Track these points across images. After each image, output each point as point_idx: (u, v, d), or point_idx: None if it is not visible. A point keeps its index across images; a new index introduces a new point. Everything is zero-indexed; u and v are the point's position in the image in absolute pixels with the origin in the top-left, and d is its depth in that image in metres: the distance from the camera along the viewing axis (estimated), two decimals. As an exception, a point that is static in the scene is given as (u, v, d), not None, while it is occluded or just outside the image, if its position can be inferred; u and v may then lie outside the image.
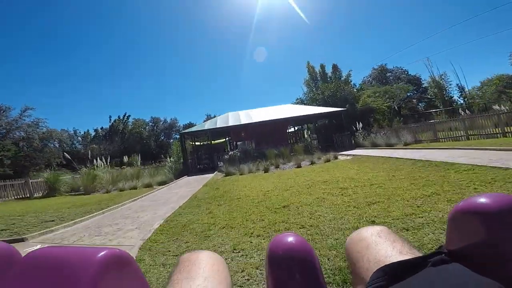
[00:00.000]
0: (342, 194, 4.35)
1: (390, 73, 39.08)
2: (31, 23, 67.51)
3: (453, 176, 4.42)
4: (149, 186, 11.23)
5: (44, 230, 4.56)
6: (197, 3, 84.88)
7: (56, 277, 0.35)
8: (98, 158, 14.06)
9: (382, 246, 0.55)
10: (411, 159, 7.07)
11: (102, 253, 0.37)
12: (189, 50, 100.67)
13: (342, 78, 26.65)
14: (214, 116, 50.82)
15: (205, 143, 19.53)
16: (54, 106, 72.08)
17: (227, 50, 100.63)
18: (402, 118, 27.13)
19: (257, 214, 3.93)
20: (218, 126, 16.10)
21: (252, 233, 3.08)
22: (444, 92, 32.12)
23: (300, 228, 3.05)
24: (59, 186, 11.85)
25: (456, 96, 33.30)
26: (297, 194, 4.96)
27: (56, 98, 74.93)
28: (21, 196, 12.08)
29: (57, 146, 29.13)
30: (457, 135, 12.48)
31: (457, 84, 32.78)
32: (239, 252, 2.59)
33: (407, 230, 2.49)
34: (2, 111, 23.19)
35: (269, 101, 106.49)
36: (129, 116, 53.23)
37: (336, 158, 10.96)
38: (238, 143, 18.15)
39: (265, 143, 15.99)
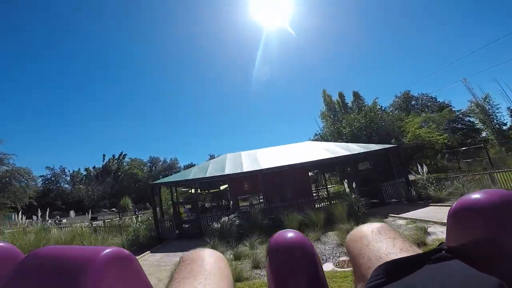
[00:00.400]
0: None
1: (415, 101, 34.13)
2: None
3: None
4: None
5: None
6: (201, 38, 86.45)
7: (58, 277, 0.35)
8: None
9: (382, 243, 0.55)
10: None
11: (104, 252, 0.38)
12: (192, 89, 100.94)
13: (365, 108, 21.65)
14: (216, 156, 45.51)
15: (192, 192, 14.29)
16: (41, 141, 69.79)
17: (232, 88, 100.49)
18: (445, 155, 21.33)
19: None
20: (208, 175, 10.81)
21: None
22: (493, 117, 26.67)
23: None
24: None
25: (509, 120, 27.62)
26: None
27: (45, 134, 73.22)
28: None
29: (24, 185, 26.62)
30: None
31: (508, 107, 27.44)
32: None
33: None
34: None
35: (279, 141, 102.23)
36: (125, 155, 49.40)
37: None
38: (237, 196, 12.68)
39: (280, 200, 10.60)
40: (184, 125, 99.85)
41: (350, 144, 13.21)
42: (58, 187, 42.06)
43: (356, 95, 24.93)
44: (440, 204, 9.16)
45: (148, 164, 54.29)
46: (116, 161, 49.03)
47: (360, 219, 7.76)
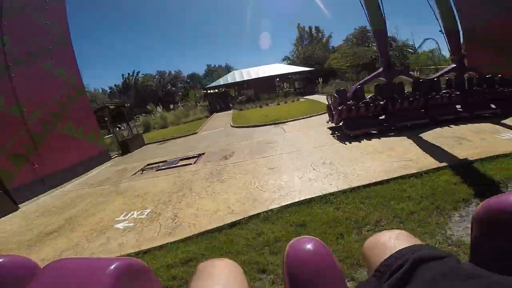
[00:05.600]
0: (286, 111, 13.65)
1: (370, 33, 45.12)
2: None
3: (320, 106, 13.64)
4: (200, 118, 20.25)
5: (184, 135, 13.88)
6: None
7: None
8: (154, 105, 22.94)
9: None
10: (322, 102, 16.16)
11: (119, 263, 0.39)
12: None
13: (323, 40, 33.87)
14: (214, 66, 59.13)
15: (217, 91, 28.10)
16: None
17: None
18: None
19: (257, 118, 13.23)
20: (229, 82, 24.66)
21: (256, 119, 12.46)
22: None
23: (269, 117, 12.36)
24: (152, 124, 20.48)
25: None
26: (272, 112, 14.25)
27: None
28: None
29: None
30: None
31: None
32: (252, 119, 11.97)
33: (304, 117, 11.82)
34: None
35: (266, 57, 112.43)
36: (139, 72, 59.93)
37: (298, 100, 20.08)
38: (242, 91, 26.91)
39: (260, 91, 24.76)
40: (185, 40, 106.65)
41: (294, 67, 26.91)
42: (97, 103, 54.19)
43: (317, 29, 36.22)
44: (318, 94, 23.52)
45: (157, 76, 65.81)
46: (132, 77, 60.20)
47: (286, 97, 21.92)
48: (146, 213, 4.31)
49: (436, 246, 2.28)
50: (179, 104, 45.34)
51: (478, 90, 6.89)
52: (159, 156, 8.95)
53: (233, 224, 3.39)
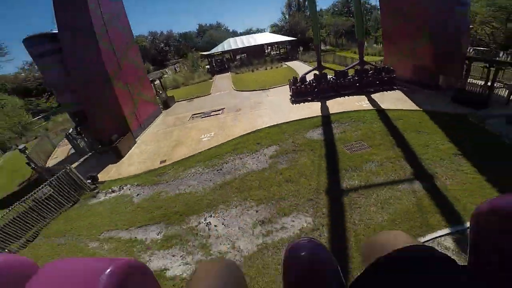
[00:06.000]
0: (272, 76, 19.98)
1: (351, 5, 47.91)
2: None
3: (293, 72, 19.93)
4: (205, 80, 25.99)
5: (192, 97, 20.10)
6: None
7: None
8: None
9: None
10: (296, 70, 22.29)
11: (118, 264, 0.39)
12: None
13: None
14: (206, 25, 61.90)
15: (216, 55, 33.01)
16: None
17: None
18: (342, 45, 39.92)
19: (251, 84, 19.47)
20: (226, 49, 29.67)
21: (251, 85, 18.78)
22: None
23: (256, 80, 18.70)
24: (166, 85, 26.11)
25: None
26: (261, 78, 20.57)
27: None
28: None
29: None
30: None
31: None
32: (248, 84, 18.33)
33: (279, 86, 18.23)
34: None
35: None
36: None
37: (281, 65, 26.04)
38: (237, 57, 32.05)
39: (252, 56, 30.06)
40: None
41: (281, 36, 31.81)
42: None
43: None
44: (298, 60, 29.26)
45: (150, 37, 67.35)
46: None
47: (272, 63, 27.65)
48: (212, 134, 11.17)
49: (298, 141, 9.32)
50: (169, 63, 49.11)
51: (369, 76, 13.45)
52: (191, 110, 15.50)
53: (246, 134, 10.35)
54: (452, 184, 5.85)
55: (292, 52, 30.96)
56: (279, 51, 33.32)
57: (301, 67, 23.20)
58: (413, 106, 10.57)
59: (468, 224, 2.94)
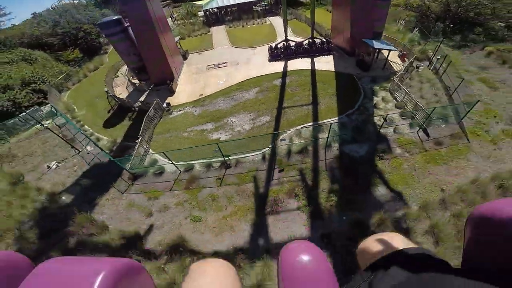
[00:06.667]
0: (257, 33, 27.70)
1: None
2: None
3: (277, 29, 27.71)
4: (205, 33, 32.64)
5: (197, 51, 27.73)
6: None
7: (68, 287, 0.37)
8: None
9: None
10: (275, 28, 29.75)
11: (114, 263, 0.39)
12: None
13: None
14: None
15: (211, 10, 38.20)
16: None
17: None
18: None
19: (242, 38, 27.23)
20: (220, 5, 35.20)
21: (241, 38, 26.64)
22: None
23: (247, 39, 26.59)
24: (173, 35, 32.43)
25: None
26: (249, 32, 28.28)
27: None
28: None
29: None
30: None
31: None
32: (241, 41, 26.31)
33: (262, 45, 26.26)
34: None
35: None
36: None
37: (266, 21, 33.09)
38: (229, 10, 37.66)
39: (243, 12, 35.98)
40: None
41: None
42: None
43: None
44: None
45: None
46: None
47: (260, 18, 34.27)
48: (224, 80, 20.28)
49: (269, 85, 18.78)
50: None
51: (316, 45, 22.05)
52: (205, 62, 23.84)
53: (244, 80, 19.57)
54: (325, 107, 15.79)
55: (275, 6, 36.90)
56: (265, 6, 38.75)
57: (279, 26, 30.40)
58: (332, 68, 19.85)
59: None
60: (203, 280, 0.58)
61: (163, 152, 12.64)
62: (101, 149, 14.39)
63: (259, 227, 10.14)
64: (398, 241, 0.65)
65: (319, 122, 14.32)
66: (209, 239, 10.05)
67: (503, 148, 11.94)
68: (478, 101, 12.77)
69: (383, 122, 13.06)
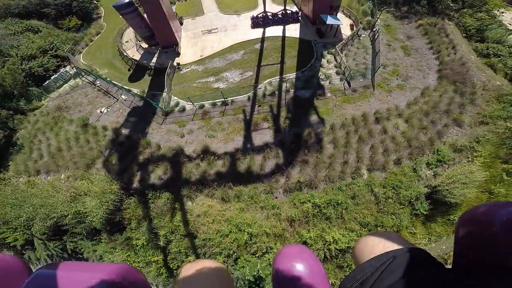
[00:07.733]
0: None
1: None
2: None
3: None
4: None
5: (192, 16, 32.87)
6: None
7: None
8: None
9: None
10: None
11: (111, 268, 0.40)
12: None
13: None
14: None
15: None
16: None
17: None
18: None
19: (228, 4, 32.44)
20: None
21: (227, 3, 32.07)
22: None
23: (232, 5, 32.07)
24: None
25: None
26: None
27: None
28: None
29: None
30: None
31: None
32: (225, 5, 31.84)
33: (246, 12, 31.85)
34: None
35: None
36: None
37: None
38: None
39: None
40: None
41: None
42: None
43: None
44: None
45: None
46: None
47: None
48: (217, 44, 26.69)
49: (251, 48, 25.64)
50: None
51: (288, 15, 28.24)
52: (199, 28, 29.56)
53: (233, 44, 26.21)
54: (288, 65, 23.15)
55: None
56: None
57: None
58: (297, 35, 26.54)
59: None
60: (196, 280, 0.61)
61: (188, 98, 20.19)
62: (142, 97, 21.65)
63: (247, 138, 18.45)
64: (395, 240, 0.68)
65: (283, 76, 21.96)
66: (220, 146, 18.30)
67: (393, 95, 20.35)
68: (381, 66, 20.85)
69: (323, 77, 20.97)
